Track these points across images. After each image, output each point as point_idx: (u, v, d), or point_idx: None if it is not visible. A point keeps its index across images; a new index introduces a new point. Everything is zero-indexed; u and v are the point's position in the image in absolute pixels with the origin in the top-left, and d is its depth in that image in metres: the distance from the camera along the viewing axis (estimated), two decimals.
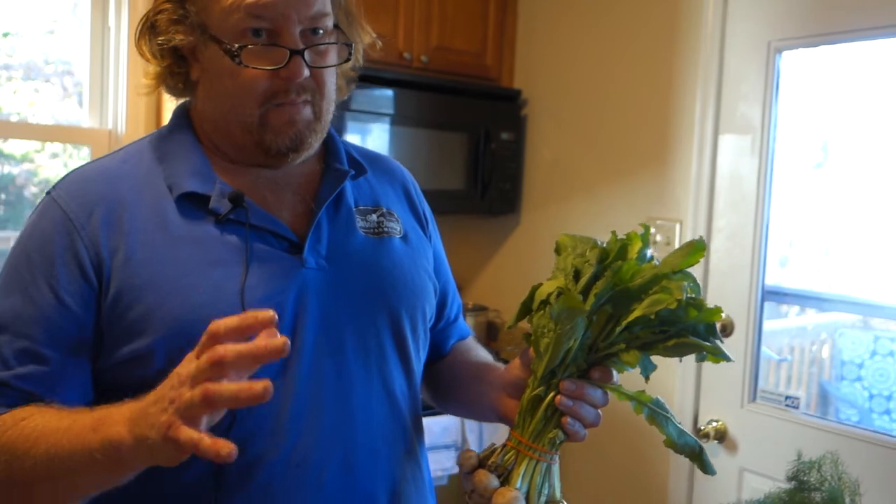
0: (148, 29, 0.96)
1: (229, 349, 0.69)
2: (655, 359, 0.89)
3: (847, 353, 2.75)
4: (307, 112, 0.94)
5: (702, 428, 2.16)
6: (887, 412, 2.62)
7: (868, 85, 2.10)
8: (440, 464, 2.26)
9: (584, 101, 2.57)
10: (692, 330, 0.86)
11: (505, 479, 0.88)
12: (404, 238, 1.06)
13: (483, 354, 1.16)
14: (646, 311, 0.85)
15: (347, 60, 0.99)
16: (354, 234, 1.00)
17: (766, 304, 2.15)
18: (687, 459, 0.89)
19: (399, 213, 1.08)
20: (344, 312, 0.95)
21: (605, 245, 0.91)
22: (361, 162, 1.06)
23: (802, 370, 2.81)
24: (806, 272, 2.43)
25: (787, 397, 2.06)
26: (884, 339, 2.72)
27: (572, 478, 2.55)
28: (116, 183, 0.94)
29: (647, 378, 0.88)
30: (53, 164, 2.47)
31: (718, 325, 2.18)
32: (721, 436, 2.14)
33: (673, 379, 2.23)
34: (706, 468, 0.89)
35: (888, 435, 1.91)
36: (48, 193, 0.94)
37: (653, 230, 2.27)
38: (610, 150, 2.48)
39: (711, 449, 2.15)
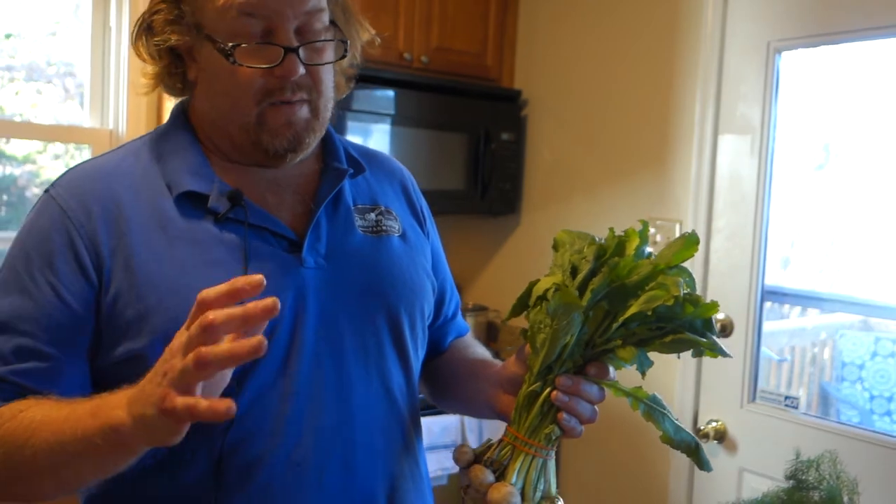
0: (144, 30, 0.96)
1: (219, 313, 0.67)
2: (655, 357, 0.89)
3: (848, 355, 2.74)
4: (304, 112, 0.94)
5: (701, 428, 2.16)
6: (888, 413, 2.62)
7: (868, 85, 2.10)
8: (440, 463, 2.25)
9: (584, 101, 2.57)
10: (689, 326, 0.86)
11: (500, 475, 0.88)
12: (403, 236, 1.06)
13: (481, 351, 1.16)
14: (642, 307, 0.85)
15: (343, 57, 0.99)
16: (353, 232, 1.00)
17: (767, 305, 2.15)
18: (687, 459, 0.89)
19: (397, 211, 1.08)
20: (343, 311, 0.95)
21: (602, 242, 0.91)
22: (360, 160, 1.06)
23: (803, 371, 2.81)
24: (808, 273, 2.43)
25: (786, 397, 2.06)
26: (885, 341, 2.71)
27: (573, 476, 2.56)
28: (114, 181, 0.94)
29: (643, 374, 0.89)
30: (55, 165, 2.47)
31: (718, 325, 2.18)
32: (721, 436, 2.14)
33: (673, 379, 2.23)
34: (702, 464, 0.89)
35: (888, 435, 1.91)
36: (46, 191, 0.94)
37: (652, 229, 2.28)
38: (610, 150, 2.49)
39: (711, 449, 2.15)
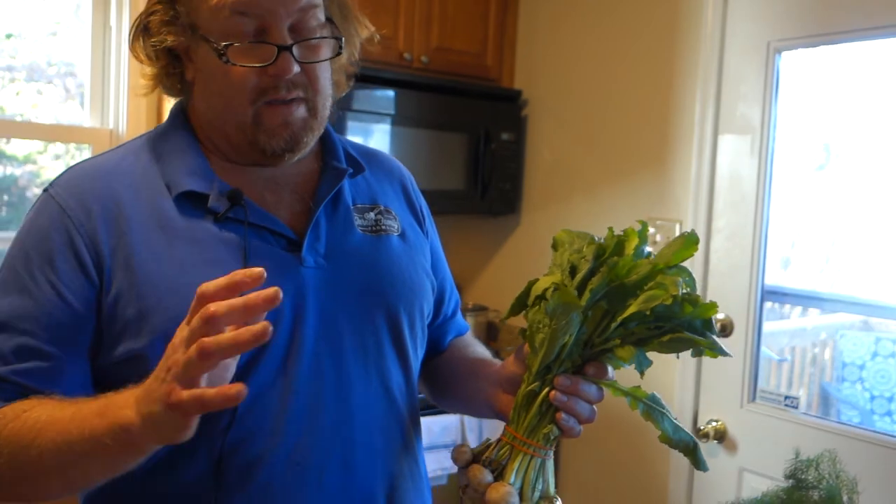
0: (141, 31, 0.96)
1: (220, 304, 0.67)
2: (654, 357, 0.89)
3: (848, 355, 2.74)
4: (301, 111, 0.94)
5: (701, 428, 2.16)
6: (888, 414, 2.62)
7: (868, 85, 2.10)
8: (440, 463, 2.25)
9: (585, 101, 2.57)
10: (688, 325, 0.86)
11: (499, 474, 0.88)
12: (402, 236, 1.06)
13: (480, 350, 1.16)
14: (641, 306, 0.85)
15: (339, 54, 0.98)
16: (352, 232, 1.00)
17: (767, 305, 2.15)
18: (687, 459, 0.89)
19: (396, 210, 1.08)
20: (342, 311, 0.95)
21: (601, 241, 0.91)
22: (359, 160, 1.06)
23: (803, 371, 2.80)
24: (808, 273, 2.43)
25: (786, 397, 2.06)
26: (885, 341, 2.71)
27: (571, 476, 2.55)
28: (114, 180, 0.93)
29: (642, 374, 0.88)
30: (56, 165, 2.48)
31: (718, 325, 2.18)
32: (721, 436, 2.14)
33: (672, 379, 2.23)
34: (700, 464, 0.89)
35: (888, 435, 1.91)
36: (45, 190, 0.94)
37: (652, 229, 2.28)
38: (610, 150, 2.49)
39: (711, 449, 2.15)
